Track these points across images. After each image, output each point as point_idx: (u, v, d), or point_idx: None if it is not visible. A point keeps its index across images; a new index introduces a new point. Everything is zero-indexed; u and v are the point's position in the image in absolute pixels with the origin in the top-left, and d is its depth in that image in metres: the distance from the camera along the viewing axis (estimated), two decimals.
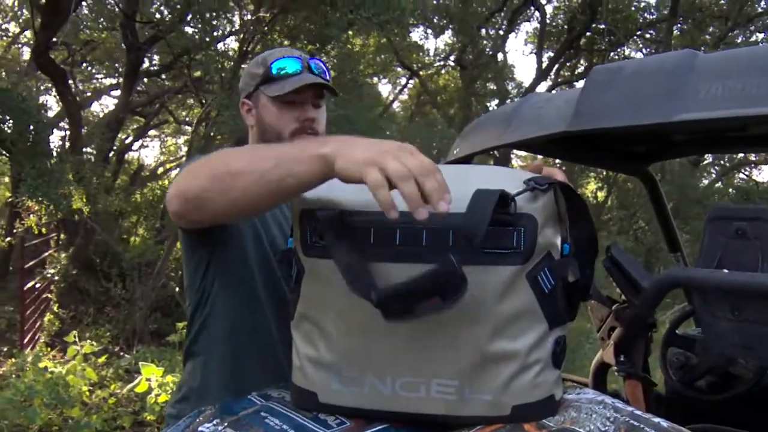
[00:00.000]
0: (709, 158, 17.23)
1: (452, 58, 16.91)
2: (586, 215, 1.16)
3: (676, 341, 2.05)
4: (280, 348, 1.52)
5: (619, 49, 14.32)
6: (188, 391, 1.62)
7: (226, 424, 1.12)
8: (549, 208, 1.07)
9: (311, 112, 1.59)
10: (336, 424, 1.12)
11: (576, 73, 16.31)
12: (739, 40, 13.79)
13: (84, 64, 14.56)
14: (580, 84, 2.10)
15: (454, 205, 1.04)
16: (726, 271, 1.30)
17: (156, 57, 12.00)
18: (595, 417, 1.06)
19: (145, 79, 12.93)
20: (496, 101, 16.31)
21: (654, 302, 1.47)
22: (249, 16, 7.04)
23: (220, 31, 8.73)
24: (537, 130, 1.65)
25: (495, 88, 16.28)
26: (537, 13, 15.46)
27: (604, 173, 15.19)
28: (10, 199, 8.24)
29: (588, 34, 14.52)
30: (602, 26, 13.51)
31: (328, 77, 1.63)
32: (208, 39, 7.74)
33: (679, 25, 13.89)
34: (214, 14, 7.50)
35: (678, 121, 1.32)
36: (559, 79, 16.02)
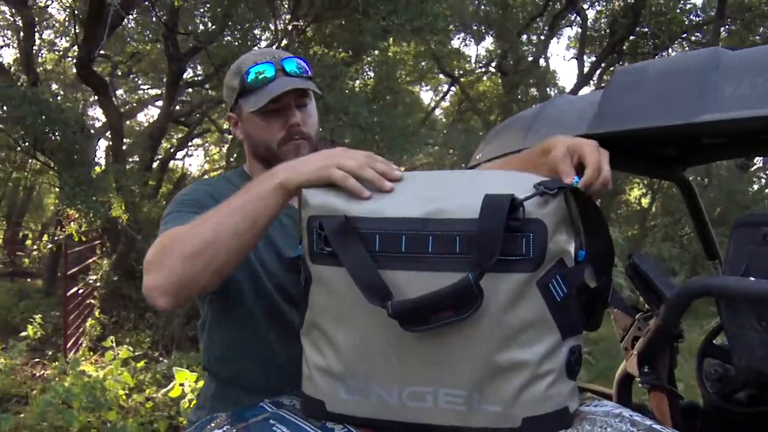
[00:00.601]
0: (759, 163, 16.78)
1: (493, 64, 16.84)
2: (599, 220, 1.11)
3: (713, 352, 1.98)
4: (282, 358, 1.49)
5: (663, 53, 14.04)
6: (204, 399, 1.63)
7: (235, 430, 1.13)
8: (560, 213, 1.04)
9: (295, 116, 1.53)
10: None
11: None
12: None
13: (130, 76, 14.90)
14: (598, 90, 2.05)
15: (461, 210, 1.02)
16: (753, 279, 1.24)
17: (199, 67, 12.21)
18: (610, 430, 1.02)
19: (189, 89, 13.15)
20: None
21: (678, 312, 1.41)
22: (283, 26, 7.09)
23: (259, 41, 8.83)
24: (558, 132, 1.61)
25: (537, 93, 16.14)
26: (578, 18, 15.28)
27: (648, 179, 14.89)
28: (56, 207, 8.45)
29: (631, 37, 14.28)
30: (645, 29, 13.28)
31: (308, 72, 1.56)
32: (250, 49, 7.82)
33: (726, 26, 13.55)
34: (251, 24, 7.58)
35: (703, 122, 1.26)
36: (602, 84, 15.80)
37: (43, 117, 5.56)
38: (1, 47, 13.34)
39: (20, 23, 8.65)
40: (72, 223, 6.66)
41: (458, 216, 1.02)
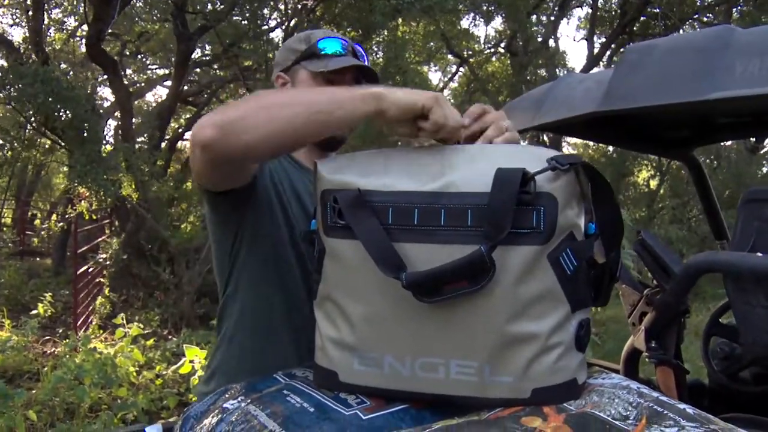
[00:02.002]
0: None
1: (503, 44, 16.73)
2: (610, 196, 1.13)
3: (719, 331, 1.99)
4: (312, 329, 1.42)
5: (674, 34, 13.90)
6: (215, 368, 1.60)
7: (249, 400, 1.15)
8: (570, 187, 1.05)
9: None
10: (356, 403, 1.12)
11: None
12: None
13: (139, 56, 14.87)
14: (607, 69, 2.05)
15: (473, 183, 1.04)
16: (760, 254, 1.25)
17: (208, 47, 12.17)
18: (617, 402, 1.04)
19: (197, 69, 13.13)
20: None
21: (685, 287, 1.42)
22: (293, 5, 7.07)
23: (269, 21, 8.80)
24: (567, 111, 1.62)
25: (546, 74, 16.04)
26: None
27: (657, 161, 14.84)
28: (66, 186, 8.49)
29: (642, 18, 14.13)
30: (656, 10, 13.15)
31: (367, 64, 1.63)
32: (259, 28, 7.81)
33: (739, 7, 13.40)
34: (261, 3, 7.55)
35: (712, 100, 1.27)
36: (612, 65, 15.67)
37: (55, 95, 5.60)
38: (12, 26, 13.32)
39: (30, 2, 8.65)
40: (82, 201, 6.69)
41: (470, 189, 1.03)
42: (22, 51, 7.80)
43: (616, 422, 0.97)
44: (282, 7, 8.75)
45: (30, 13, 8.73)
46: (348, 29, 6.96)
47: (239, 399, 1.17)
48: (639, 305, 1.64)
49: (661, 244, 1.54)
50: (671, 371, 1.57)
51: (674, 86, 1.35)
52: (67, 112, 5.88)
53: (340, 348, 1.14)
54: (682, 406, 1.03)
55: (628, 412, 1.00)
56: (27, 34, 8.94)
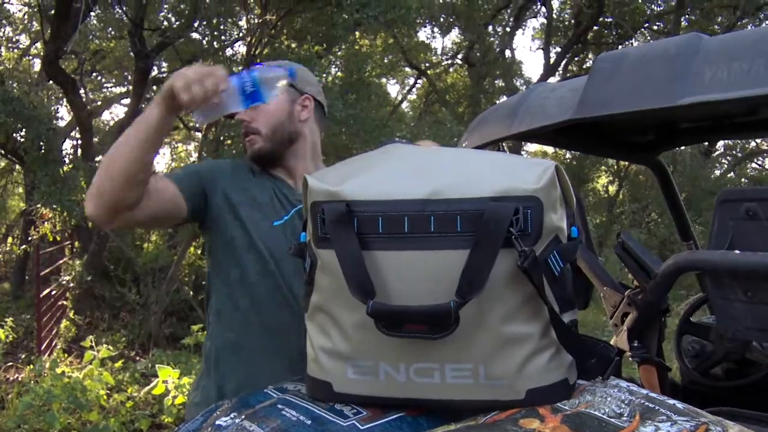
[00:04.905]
0: (720, 148, 17.13)
1: (460, 56, 16.90)
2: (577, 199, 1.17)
3: (690, 329, 2.04)
4: (278, 328, 1.62)
5: (626, 42, 14.23)
6: (200, 377, 1.75)
7: (243, 416, 1.13)
8: (553, 189, 1.08)
9: (241, 114, 1.69)
10: (352, 413, 1.12)
11: (584, 67, 16.23)
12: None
13: (93, 74, 14.64)
14: (577, 78, 2.11)
15: (460, 190, 1.06)
16: (737, 252, 1.29)
17: (164, 64, 12.05)
18: (609, 400, 1.07)
19: (155, 87, 12.98)
20: (505, 98, 16.25)
21: (666, 286, 1.46)
22: (256, 20, 7.06)
23: (228, 36, 8.75)
24: (543, 119, 1.66)
25: (503, 84, 16.24)
26: (543, 9, 15.41)
27: (615, 167, 15.11)
28: (24, 209, 8.31)
29: (595, 28, 14.43)
30: (609, 19, 13.44)
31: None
32: (216, 44, 7.77)
33: (687, 16, 13.79)
34: (221, 19, 7.52)
35: (683, 105, 1.32)
36: (568, 74, 15.94)
37: (16, 115, 5.48)
38: None
39: None
40: (45, 223, 6.56)
41: (457, 196, 1.05)
42: None
43: (612, 420, 1.00)
44: (242, 22, 8.74)
45: None
46: (312, 43, 6.98)
47: (232, 415, 1.15)
48: (621, 306, 1.68)
49: (640, 246, 1.59)
50: (654, 369, 1.61)
51: (648, 92, 1.39)
52: (29, 132, 5.78)
53: (334, 358, 1.15)
54: (671, 401, 1.06)
55: (621, 410, 1.03)
56: None
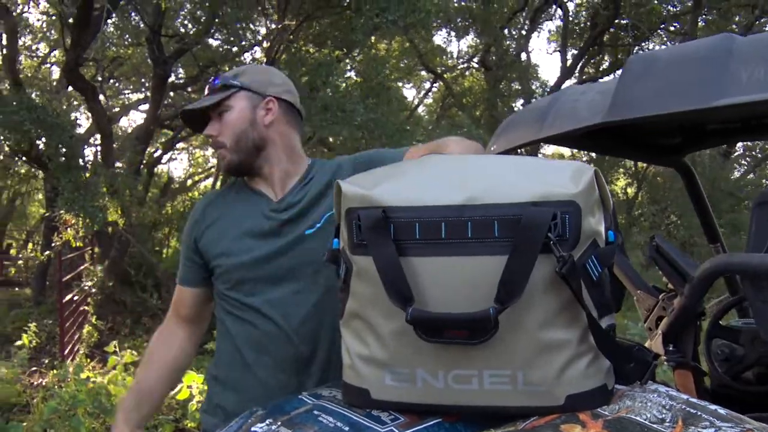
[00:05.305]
0: (740, 150, 16.98)
1: (476, 59, 16.89)
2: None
3: (720, 333, 2.02)
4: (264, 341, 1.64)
5: (643, 44, 14.15)
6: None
7: (279, 423, 1.12)
8: (591, 193, 1.07)
9: (207, 129, 1.69)
10: (390, 419, 1.12)
11: (600, 69, 16.17)
12: (767, 29, 13.54)
13: (111, 81, 14.78)
14: (605, 80, 2.10)
15: (496, 195, 1.05)
16: None
17: (181, 70, 12.14)
18: (650, 405, 1.06)
19: (171, 93, 13.07)
20: (521, 101, 16.23)
21: (702, 290, 1.45)
22: (274, 26, 7.08)
23: (245, 42, 8.79)
24: (574, 123, 1.65)
25: (520, 88, 16.21)
26: (559, 11, 15.37)
27: (633, 168, 15.01)
28: (47, 215, 8.38)
29: (611, 29, 14.36)
30: (625, 21, 13.37)
31: (226, 81, 1.68)
32: (235, 49, 7.81)
33: (704, 16, 13.69)
34: (241, 24, 7.55)
35: (721, 107, 1.30)
36: (584, 77, 15.88)
37: (40, 122, 5.54)
38: None
39: (4, 30, 8.58)
40: (68, 229, 6.61)
41: (494, 201, 1.05)
42: None
43: (654, 425, 0.99)
44: (259, 29, 8.78)
45: (4, 41, 8.66)
46: (332, 47, 6.98)
47: (267, 422, 1.15)
48: (655, 310, 1.66)
49: (675, 248, 1.57)
50: (690, 373, 1.59)
51: (682, 94, 1.38)
52: (53, 139, 5.84)
53: (371, 365, 1.14)
54: (712, 407, 1.05)
55: (663, 415, 1.02)
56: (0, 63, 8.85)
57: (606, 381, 1.10)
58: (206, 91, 1.71)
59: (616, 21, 13.71)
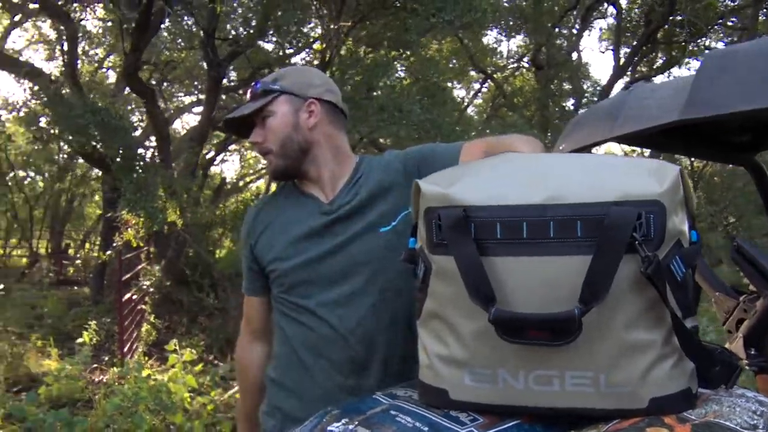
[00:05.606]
0: None
1: (525, 59, 16.74)
2: None
3: None
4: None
5: (699, 40, 13.81)
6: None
7: (356, 422, 1.12)
8: (676, 193, 1.05)
9: (252, 137, 1.69)
10: (469, 420, 1.11)
11: (654, 67, 15.83)
12: None
13: (164, 84, 15.08)
14: (658, 79, 2.05)
15: (581, 195, 1.04)
16: None
17: (233, 73, 12.32)
18: (739, 410, 1.03)
19: (223, 96, 13.27)
20: (573, 101, 16.03)
21: None
22: (329, 26, 7.12)
23: (300, 43, 8.87)
24: (647, 121, 1.61)
25: (570, 87, 16.00)
26: (611, 9, 15.11)
27: (690, 168, 14.66)
28: (108, 215, 8.59)
29: (665, 27, 14.04)
30: (681, 17, 13.06)
31: (267, 87, 1.68)
32: (292, 50, 7.87)
33: (765, 10, 13.27)
34: (295, 26, 7.61)
35: None
36: (637, 75, 15.58)
37: (104, 125, 5.69)
38: (51, 60, 13.62)
39: (65, 36, 8.85)
40: (129, 229, 6.77)
41: (577, 200, 1.03)
42: (58, 84, 7.95)
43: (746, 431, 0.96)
44: (309, 32, 8.83)
45: (65, 46, 8.91)
46: (387, 47, 6.99)
47: (343, 421, 1.14)
48: (735, 312, 1.61)
49: (758, 250, 1.52)
50: None
51: (764, 91, 1.34)
52: (114, 141, 5.99)
53: (450, 365, 1.13)
54: None
55: (755, 421, 0.99)
56: (62, 68, 9.12)
57: (690, 384, 1.08)
58: (248, 97, 1.71)
59: (671, 18, 13.40)
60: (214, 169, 17.44)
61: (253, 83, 1.74)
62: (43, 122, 6.52)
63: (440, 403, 1.16)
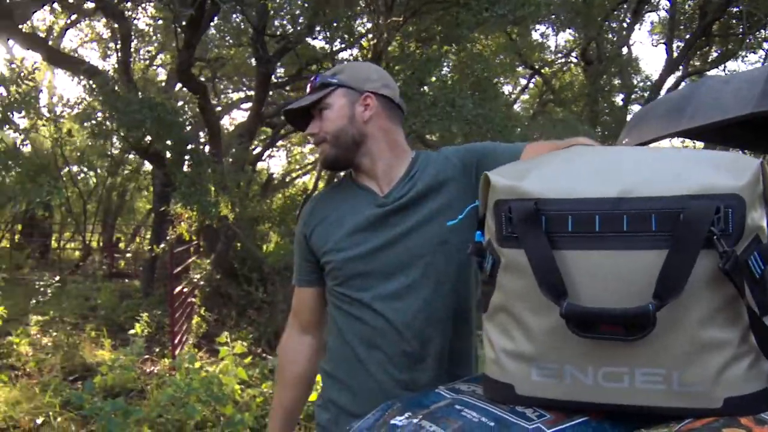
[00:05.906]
0: None
1: (574, 54, 16.51)
2: None
3: None
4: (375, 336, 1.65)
5: (758, 32, 13.41)
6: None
7: (420, 416, 1.11)
8: (756, 187, 1.02)
9: (309, 128, 1.71)
10: (536, 416, 1.09)
11: (709, 61, 15.45)
12: None
13: (214, 80, 15.30)
14: (712, 72, 1.99)
15: (654, 188, 1.01)
16: None
17: (281, 69, 12.42)
18: None
19: (272, 92, 13.40)
20: (622, 96, 15.75)
21: None
22: (381, 21, 7.13)
23: (349, 39, 8.90)
24: (719, 114, 1.57)
25: (620, 82, 15.73)
26: (664, 1, 14.80)
27: None
28: (162, 209, 8.75)
29: (721, 19, 13.68)
30: (737, 9, 12.70)
31: (326, 80, 1.70)
32: (341, 45, 7.89)
33: None
34: (347, 22, 7.64)
35: None
36: (690, 70, 15.22)
37: (160, 120, 5.81)
38: (105, 58, 13.93)
39: (118, 34, 9.04)
40: (182, 223, 6.89)
41: (651, 194, 1.01)
42: (113, 81, 8.13)
43: None
44: (366, 25, 8.85)
45: (119, 44, 9.10)
46: (439, 43, 6.96)
47: (407, 415, 1.13)
48: None
49: None
50: None
51: None
52: (170, 136, 6.11)
53: (517, 359, 1.12)
54: None
55: None
56: (116, 65, 9.32)
57: (767, 385, 1.04)
58: (307, 90, 1.74)
59: (728, 9, 13.04)
60: (261, 165, 17.62)
61: (312, 77, 1.76)
62: (99, 118, 6.67)
63: (506, 398, 1.14)
